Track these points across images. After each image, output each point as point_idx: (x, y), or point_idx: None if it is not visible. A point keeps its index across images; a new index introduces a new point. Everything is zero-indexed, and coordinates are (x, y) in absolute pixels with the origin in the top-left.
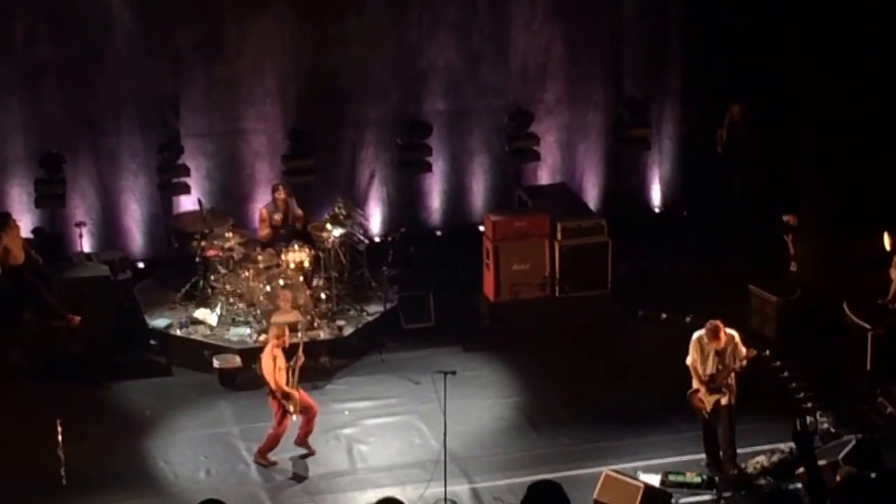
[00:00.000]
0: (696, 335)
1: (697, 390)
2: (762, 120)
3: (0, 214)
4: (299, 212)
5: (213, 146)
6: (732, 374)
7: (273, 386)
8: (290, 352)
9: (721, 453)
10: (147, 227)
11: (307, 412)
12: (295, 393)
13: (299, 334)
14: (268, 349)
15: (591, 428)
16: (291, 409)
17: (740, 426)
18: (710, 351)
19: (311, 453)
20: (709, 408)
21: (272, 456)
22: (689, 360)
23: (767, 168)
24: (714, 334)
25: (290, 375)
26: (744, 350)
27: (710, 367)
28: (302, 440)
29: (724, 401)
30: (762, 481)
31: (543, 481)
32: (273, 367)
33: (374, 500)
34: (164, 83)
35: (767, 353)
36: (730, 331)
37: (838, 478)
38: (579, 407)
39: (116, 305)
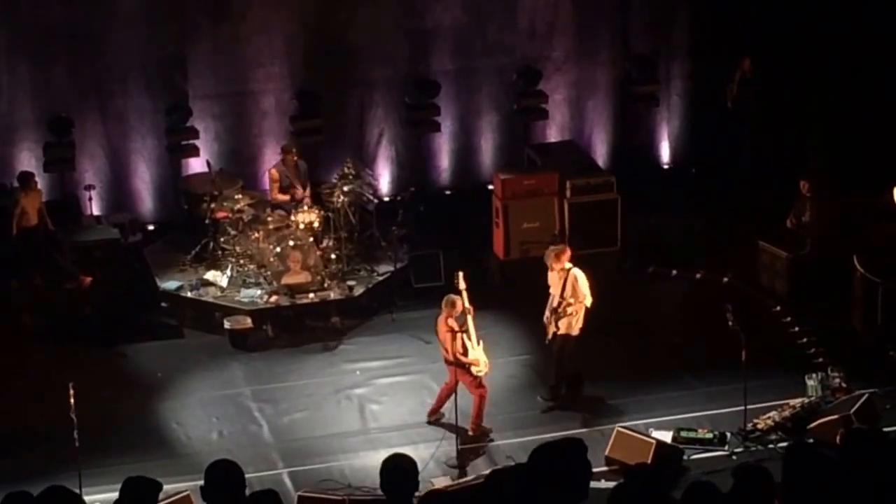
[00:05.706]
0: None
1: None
2: (772, 74)
3: (23, 173)
4: (304, 175)
5: (220, 108)
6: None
7: (451, 357)
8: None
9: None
10: (156, 190)
11: (449, 388)
12: (477, 355)
13: (463, 293)
14: (442, 319)
15: (601, 385)
16: (480, 371)
17: (751, 382)
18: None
19: (439, 417)
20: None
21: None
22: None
23: (778, 123)
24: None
25: (467, 337)
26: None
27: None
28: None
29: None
30: (773, 436)
31: (569, 439)
32: (451, 337)
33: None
34: (172, 44)
35: (778, 308)
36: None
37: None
38: (590, 364)
39: (127, 268)
